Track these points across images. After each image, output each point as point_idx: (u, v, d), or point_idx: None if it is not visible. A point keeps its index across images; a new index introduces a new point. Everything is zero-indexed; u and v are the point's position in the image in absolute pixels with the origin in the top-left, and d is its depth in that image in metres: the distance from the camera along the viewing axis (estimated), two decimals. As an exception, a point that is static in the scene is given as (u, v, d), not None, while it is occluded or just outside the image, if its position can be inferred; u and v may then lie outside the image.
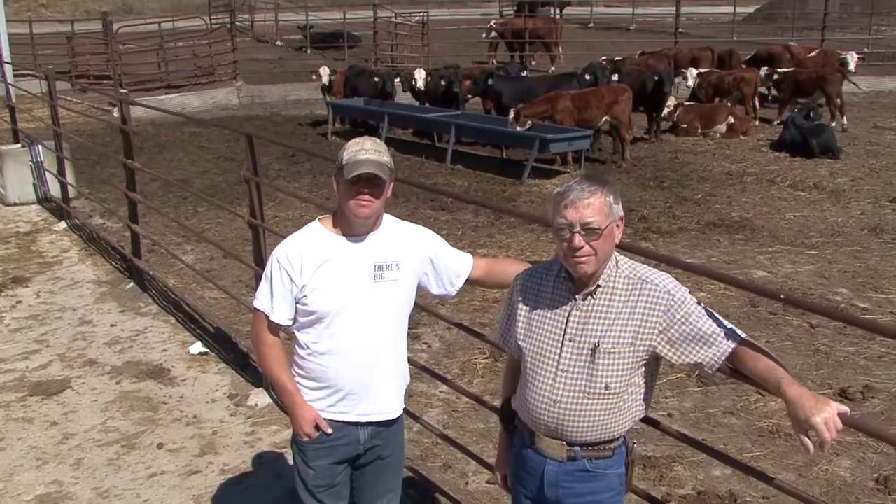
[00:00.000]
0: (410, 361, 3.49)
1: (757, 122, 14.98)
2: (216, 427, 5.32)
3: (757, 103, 15.37)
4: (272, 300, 3.12)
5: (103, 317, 7.09)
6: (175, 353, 6.38)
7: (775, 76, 15.64)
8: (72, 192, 10.09)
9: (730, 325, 2.63)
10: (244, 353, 6.30)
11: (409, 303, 3.25)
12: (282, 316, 3.13)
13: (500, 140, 13.04)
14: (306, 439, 3.18)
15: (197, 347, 6.39)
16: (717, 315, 2.66)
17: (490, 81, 13.91)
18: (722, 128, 14.28)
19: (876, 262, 8.18)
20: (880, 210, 10.02)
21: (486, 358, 6.22)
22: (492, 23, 23.60)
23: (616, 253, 2.73)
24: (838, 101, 14.87)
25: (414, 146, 13.96)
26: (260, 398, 5.61)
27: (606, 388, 2.65)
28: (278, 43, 28.13)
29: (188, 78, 19.60)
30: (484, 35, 23.10)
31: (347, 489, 3.35)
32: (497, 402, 3.38)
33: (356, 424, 3.20)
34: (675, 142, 14.06)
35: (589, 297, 2.68)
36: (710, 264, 8.09)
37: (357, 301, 3.08)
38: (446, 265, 3.32)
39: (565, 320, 2.70)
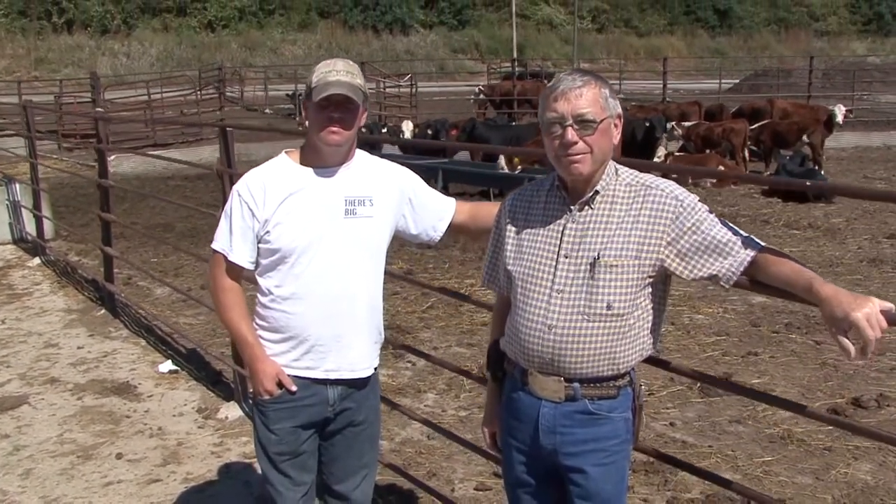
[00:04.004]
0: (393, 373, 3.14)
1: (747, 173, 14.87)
2: (182, 438, 4.90)
3: (747, 154, 15.28)
4: (231, 238, 2.78)
5: (70, 340, 6.70)
6: (144, 371, 5.98)
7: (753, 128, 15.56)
8: (48, 229, 9.77)
9: (746, 234, 2.32)
10: (217, 371, 5.92)
11: (384, 245, 2.91)
12: (242, 256, 2.79)
13: (490, 184, 12.86)
14: (267, 398, 2.81)
15: (167, 366, 6.00)
16: (731, 225, 2.35)
17: (477, 129, 13.81)
18: (712, 177, 14.15)
19: (877, 289, 7.88)
20: (877, 245, 9.78)
21: (474, 374, 5.82)
22: (480, 86, 23.77)
23: (615, 162, 2.44)
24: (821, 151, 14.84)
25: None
26: (231, 411, 5.20)
27: (608, 307, 2.31)
28: (267, 111, 28.19)
29: (175, 136, 19.53)
30: (472, 98, 23.22)
31: (314, 461, 2.95)
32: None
33: (324, 382, 2.83)
34: (665, 191, 13.89)
35: (586, 207, 2.37)
36: (707, 292, 7.79)
37: (325, 238, 2.74)
38: (427, 206, 3.00)
39: (560, 235, 2.38)
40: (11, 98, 21.57)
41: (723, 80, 30.95)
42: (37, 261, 9.31)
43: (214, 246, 2.84)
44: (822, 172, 14.14)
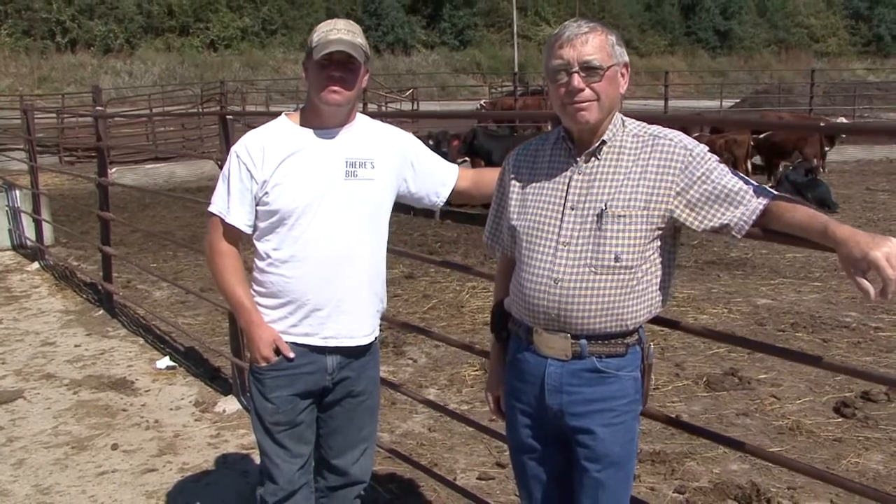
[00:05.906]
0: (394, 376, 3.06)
1: (750, 185, 14.83)
2: (178, 430, 4.81)
3: (750, 166, 15.23)
4: (229, 200, 2.72)
5: (67, 339, 6.62)
6: (141, 368, 5.90)
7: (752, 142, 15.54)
8: (47, 234, 9.71)
9: (757, 183, 2.25)
10: (215, 367, 5.84)
11: (385, 209, 2.85)
12: (239, 218, 2.72)
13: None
14: (264, 364, 2.73)
15: (164, 362, 5.91)
16: (742, 175, 2.28)
17: (478, 139, 13.77)
18: (715, 188, 14.08)
19: (884, 291, 7.79)
20: (883, 251, 9.70)
21: (476, 370, 5.75)
22: (482, 102, 23.79)
23: (621, 114, 2.37)
24: (816, 162, 14.80)
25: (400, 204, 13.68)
26: (228, 405, 5.11)
27: (616, 259, 2.23)
28: (268, 127, 28.24)
29: (177, 149, 19.53)
30: (474, 113, 23.22)
31: (312, 432, 2.86)
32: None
33: (323, 350, 2.75)
34: (667, 201, 13.84)
35: (593, 158, 2.30)
36: (711, 294, 7.72)
37: (325, 199, 2.67)
38: (429, 171, 2.94)
39: (566, 187, 2.31)
40: (14, 113, 21.66)
41: (724, 100, 31.09)
42: (35, 265, 9.25)
43: (211, 209, 2.77)
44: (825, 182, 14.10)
